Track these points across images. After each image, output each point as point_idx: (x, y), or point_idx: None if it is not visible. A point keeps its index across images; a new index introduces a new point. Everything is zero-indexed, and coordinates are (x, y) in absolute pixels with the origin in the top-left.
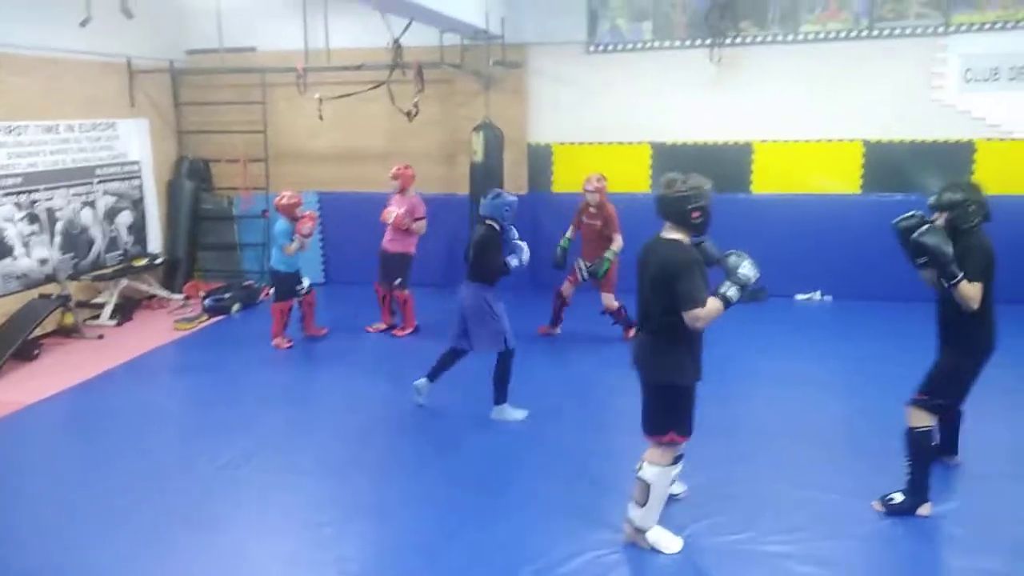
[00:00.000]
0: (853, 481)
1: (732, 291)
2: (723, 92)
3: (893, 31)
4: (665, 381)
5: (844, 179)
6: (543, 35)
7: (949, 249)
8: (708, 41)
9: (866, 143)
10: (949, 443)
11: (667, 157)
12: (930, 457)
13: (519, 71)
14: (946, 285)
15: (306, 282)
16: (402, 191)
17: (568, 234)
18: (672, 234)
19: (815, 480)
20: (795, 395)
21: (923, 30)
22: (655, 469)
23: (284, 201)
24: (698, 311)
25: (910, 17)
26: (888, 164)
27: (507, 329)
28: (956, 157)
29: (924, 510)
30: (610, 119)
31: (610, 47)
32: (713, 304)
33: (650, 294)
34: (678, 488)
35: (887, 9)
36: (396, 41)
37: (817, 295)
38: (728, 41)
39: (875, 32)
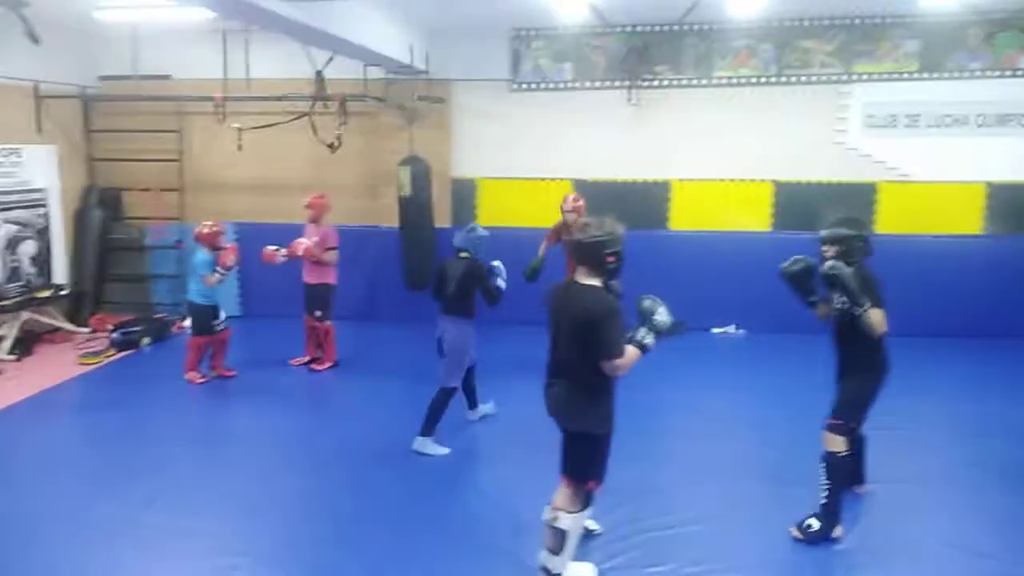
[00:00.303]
0: (769, 510)
1: (649, 338)
2: (642, 132)
3: (800, 78)
4: (588, 431)
5: (756, 217)
6: (467, 72)
7: (855, 282)
8: (626, 83)
9: (776, 183)
10: (856, 472)
11: (589, 194)
12: (845, 481)
13: (443, 106)
14: (857, 313)
15: (222, 316)
16: (315, 221)
17: (540, 252)
18: (588, 279)
19: (730, 510)
20: (710, 427)
21: (827, 78)
22: (571, 518)
23: (206, 231)
24: (618, 361)
25: (815, 66)
26: (797, 203)
27: (462, 370)
28: (860, 198)
29: (837, 532)
30: (533, 155)
31: (533, 85)
32: (631, 352)
33: (569, 341)
34: (593, 525)
35: (794, 58)
36: (319, 73)
37: (732, 328)
38: (645, 84)
39: (783, 79)
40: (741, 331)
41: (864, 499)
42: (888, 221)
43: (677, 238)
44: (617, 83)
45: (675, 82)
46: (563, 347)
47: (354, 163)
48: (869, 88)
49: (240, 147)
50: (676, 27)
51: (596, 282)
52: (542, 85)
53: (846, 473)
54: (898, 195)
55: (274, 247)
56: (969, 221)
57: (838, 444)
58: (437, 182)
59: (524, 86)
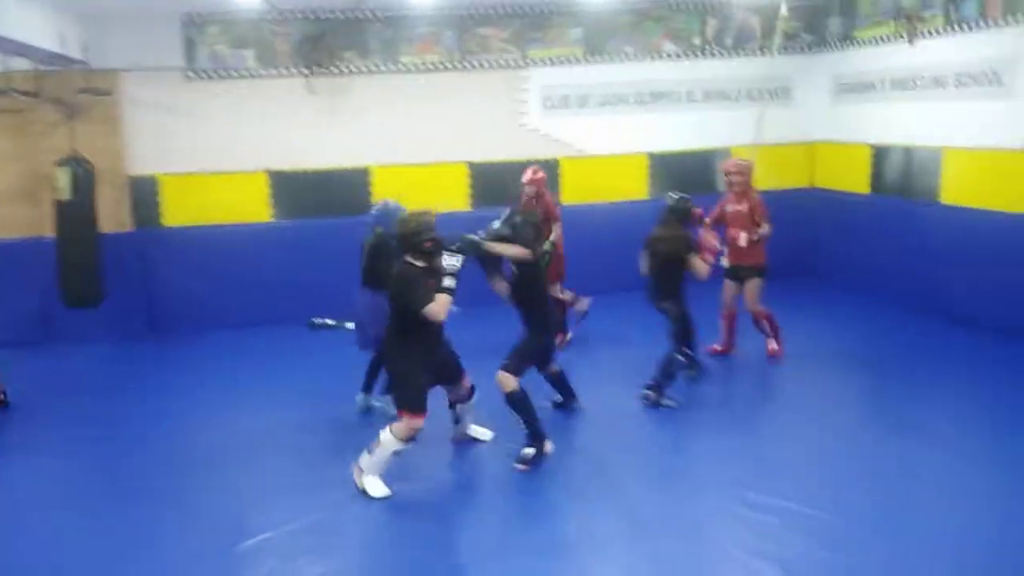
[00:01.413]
0: None
1: (449, 281)
2: (336, 119)
3: (481, 64)
4: (391, 367)
5: (456, 198)
6: (135, 60)
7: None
8: (311, 70)
9: (471, 164)
10: (568, 393)
11: (286, 184)
12: (532, 408)
13: (111, 99)
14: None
15: None
16: None
17: None
18: (415, 261)
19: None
20: None
21: (506, 63)
22: (390, 436)
23: None
24: (432, 307)
25: (494, 52)
26: (491, 182)
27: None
28: (547, 173)
29: (548, 447)
30: (221, 147)
31: (212, 74)
32: (443, 298)
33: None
34: (487, 434)
35: (474, 44)
36: None
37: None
38: (331, 71)
39: (466, 65)
40: (457, 308)
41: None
42: (571, 192)
43: None
44: (304, 71)
45: (363, 68)
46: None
47: (5, 167)
48: (544, 72)
49: None
50: (359, 13)
51: (420, 263)
52: (222, 73)
53: (529, 403)
54: (577, 168)
55: None
56: (637, 187)
57: (511, 384)
58: (110, 182)
59: (202, 75)
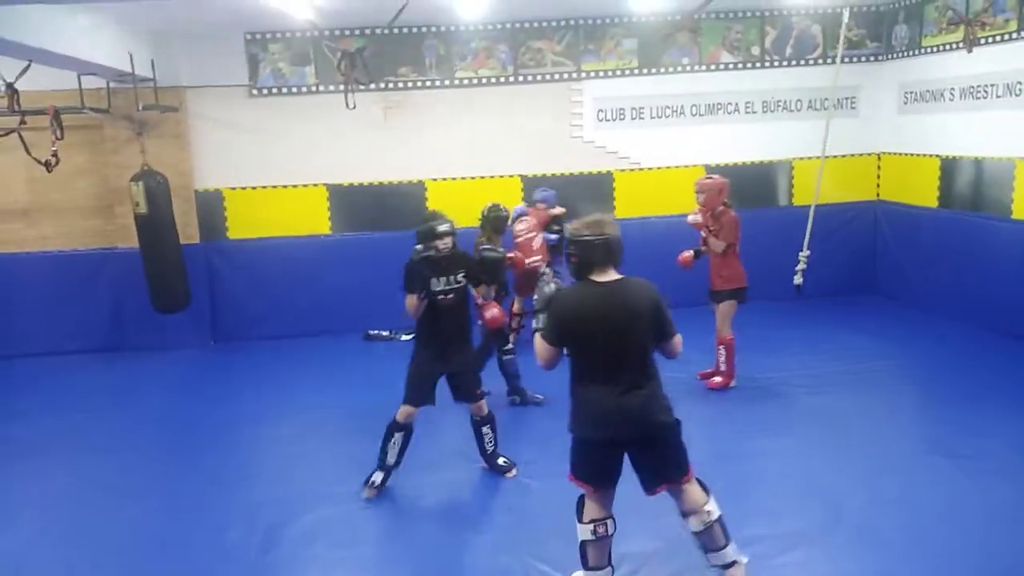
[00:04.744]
0: None
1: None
2: (393, 134)
3: (535, 77)
4: (673, 416)
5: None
6: (201, 78)
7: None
8: (351, 87)
9: (523, 177)
10: None
11: (344, 198)
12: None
13: (177, 115)
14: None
15: None
16: None
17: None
18: (616, 275)
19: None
20: None
21: (560, 76)
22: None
23: None
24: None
25: (547, 65)
26: None
27: None
28: (600, 187)
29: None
30: (282, 162)
31: (274, 90)
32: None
33: (639, 335)
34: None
35: (528, 58)
36: (10, 86)
37: None
38: (370, 87)
39: (520, 78)
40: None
41: None
42: (625, 206)
43: None
44: (362, 87)
45: (419, 83)
46: (628, 346)
47: (81, 181)
48: (598, 84)
49: None
50: (415, 29)
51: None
52: (283, 90)
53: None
54: (632, 182)
55: None
56: (694, 201)
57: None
58: (179, 195)
59: (264, 91)
